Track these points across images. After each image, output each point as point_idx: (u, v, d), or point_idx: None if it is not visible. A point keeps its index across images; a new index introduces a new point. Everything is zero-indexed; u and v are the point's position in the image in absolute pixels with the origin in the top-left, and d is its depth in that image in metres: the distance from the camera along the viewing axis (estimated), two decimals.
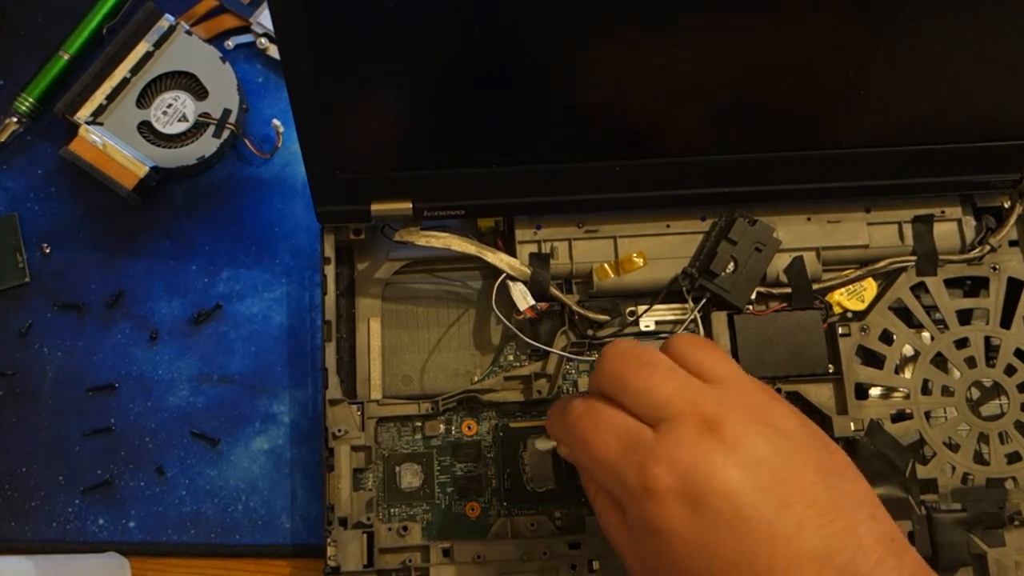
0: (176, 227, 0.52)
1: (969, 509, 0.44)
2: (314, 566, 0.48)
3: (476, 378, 0.47)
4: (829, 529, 0.32)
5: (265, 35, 0.54)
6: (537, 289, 0.46)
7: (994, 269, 0.47)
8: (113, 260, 0.52)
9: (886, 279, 0.48)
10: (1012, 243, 0.48)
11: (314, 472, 0.49)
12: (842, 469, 0.35)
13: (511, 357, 0.48)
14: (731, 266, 0.46)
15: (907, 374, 0.47)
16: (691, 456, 0.33)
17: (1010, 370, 0.46)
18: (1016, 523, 0.44)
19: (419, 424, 0.46)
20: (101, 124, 0.52)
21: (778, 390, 0.46)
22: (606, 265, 0.47)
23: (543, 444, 0.43)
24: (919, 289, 0.47)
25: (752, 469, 0.33)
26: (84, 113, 0.51)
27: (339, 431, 0.44)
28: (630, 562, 0.36)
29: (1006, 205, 0.48)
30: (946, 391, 0.46)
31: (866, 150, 0.44)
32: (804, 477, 0.33)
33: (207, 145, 0.52)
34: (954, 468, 0.45)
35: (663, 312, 0.47)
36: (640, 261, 0.47)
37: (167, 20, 0.53)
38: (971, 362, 0.46)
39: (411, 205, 0.44)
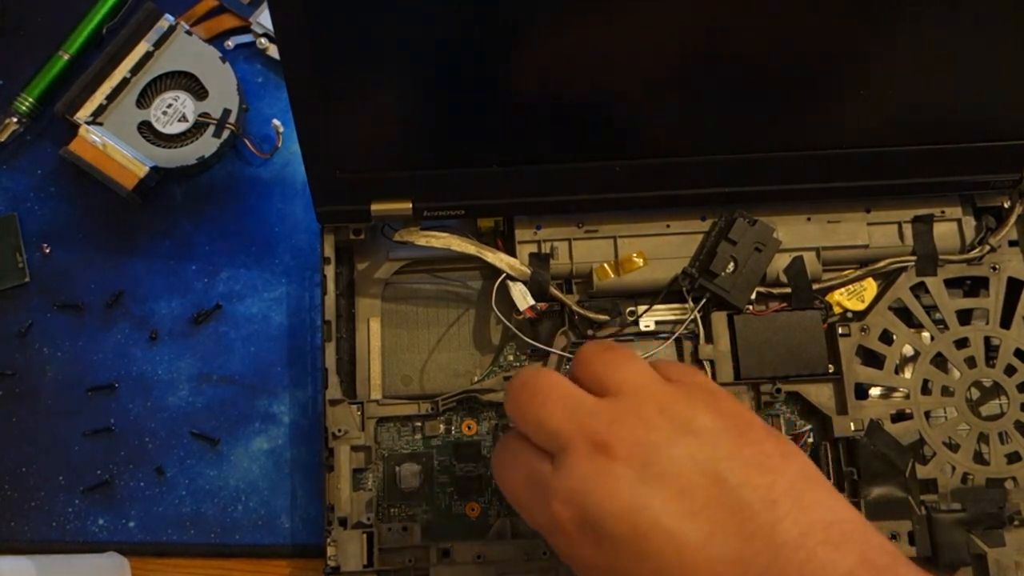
0: (176, 227, 0.52)
1: (969, 509, 0.44)
2: (314, 566, 0.48)
3: (476, 378, 0.47)
4: (743, 530, 0.30)
5: (265, 35, 0.54)
6: (537, 289, 0.46)
7: (994, 269, 0.47)
8: (113, 260, 0.52)
9: (886, 279, 0.48)
10: (1012, 243, 0.48)
11: (314, 472, 0.49)
12: (759, 458, 0.32)
13: (511, 357, 0.48)
14: (731, 266, 0.46)
15: (907, 374, 0.47)
16: (583, 484, 0.32)
17: (1010, 370, 0.46)
18: (1016, 523, 0.44)
19: (419, 424, 0.46)
20: (101, 124, 0.52)
21: (778, 391, 0.46)
22: (606, 265, 0.47)
23: None
24: (919, 289, 0.47)
25: (648, 484, 0.32)
26: (84, 113, 0.51)
27: (339, 431, 0.44)
28: None
29: (1006, 205, 0.48)
30: (946, 391, 0.46)
31: (866, 150, 0.44)
32: (708, 479, 0.31)
33: (207, 145, 0.52)
34: (954, 468, 0.45)
35: (663, 312, 0.47)
36: (640, 261, 0.47)
37: (167, 20, 0.53)
38: (971, 362, 0.46)
39: (411, 205, 0.44)
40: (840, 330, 0.46)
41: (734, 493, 0.31)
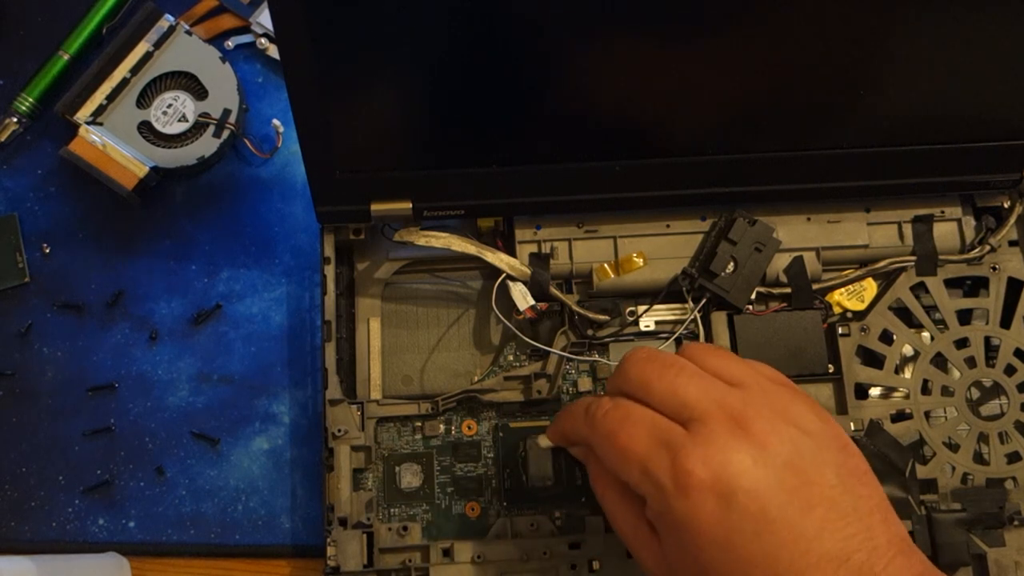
0: (176, 227, 0.52)
1: (969, 509, 0.44)
2: (314, 566, 0.48)
3: (476, 378, 0.47)
4: (847, 531, 0.33)
5: (265, 35, 0.54)
6: (537, 289, 0.46)
7: (994, 269, 0.47)
8: (113, 260, 0.52)
9: (886, 279, 0.48)
10: (1012, 243, 0.48)
11: (314, 472, 0.49)
12: (860, 472, 0.35)
13: (511, 357, 0.48)
14: (731, 266, 0.46)
15: (907, 374, 0.47)
16: (723, 454, 0.34)
17: (1010, 370, 0.46)
18: (1016, 523, 0.44)
19: (419, 424, 0.46)
20: (101, 124, 0.52)
21: None
22: (606, 265, 0.47)
23: (544, 441, 0.43)
24: (919, 289, 0.47)
25: (779, 471, 0.34)
26: (84, 113, 0.51)
27: (339, 431, 0.44)
28: (646, 558, 0.36)
29: (1006, 205, 0.48)
30: (946, 391, 0.46)
31: (866, 150, 0.44)
32: (825, 480, 0.34)
33: (207, 145, 0.52)
34: (954, 468, 0.45)
35: (663, 312, 0.47)
36: (640, 261, 0.47)
37: (167, 20, 0.53)
38: (971, 362, 0.46)
39: (411, 205, 0.44)
40: (840, 330, 0.46)
41: (843, 497, 0.34)
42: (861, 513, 0.34)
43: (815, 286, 0.47)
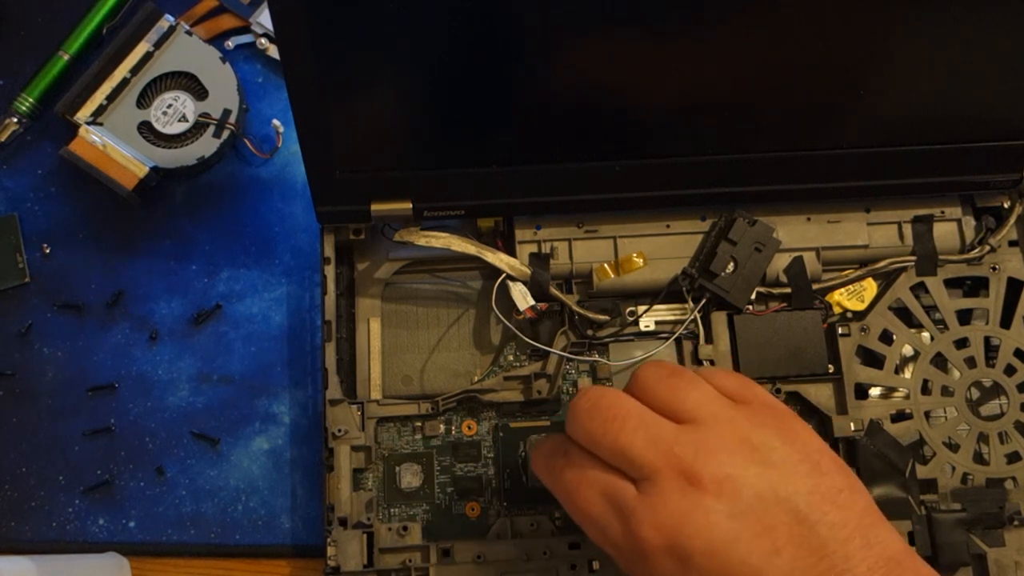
0: (176, 227, 0.52)
1: (969, 509, 0.44)
2: (314, 566, 0.48)
3: (476, 378, 0.47)
4: (820, 567, 0.32)
5: (265, 35, 0.54)
6: (537, 289, 0.46)
7: (994, 269, 0.47)
8: (113, 260, 0.52)
9: (886, 279, 0.48)
10: (1012, 243, 0.48)
11: (314, 472, 0.49)
12: (834, 492, 0.33)
13: (511, 357, 0.48)
14: (731, 266, 0.46)
15: (907, 374, 0.47)
16: (675, 517, 0.33)
17: (1010, 370, 0.46)
18: (1016, 523, 0.44)
19: (419, 424, 0.46)
20: (101, 124, 0.52)
21: (777, 391, 0.46)
22: (606, 265, 0.47)
23: None
24: (919, 289, 0.47)
25: (737, 520, 0.32)
26: (84, 113, 0.51)
27: (339, 431, 0.44)
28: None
29: (1006, 205, 0.48)
30: (946, 391, 0.46)
31: (866, 150, 0.44)
32: (792, 516, 0.32)
33: (207, 145, 0.52)
34: (954, 468, 0.45)
35: (663, 312, 0.47)
36: (640, 261, 0.47)
37: (167, 20, 0.53)
38: (971, 362, 0.46)
39: (411, 205, 0.44)
40: (840, 330, 0.46)
41: (813, 531, 0.32)
42: (836, 543, 0.32)
43: (815, 286, 0.47)
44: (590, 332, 0.47)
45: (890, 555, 0.33)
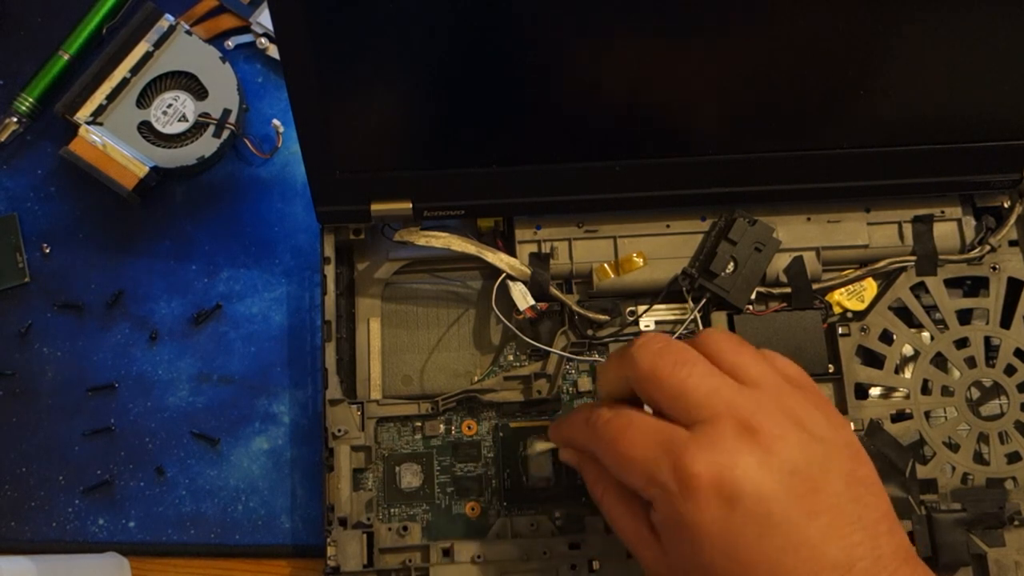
0: (176, 227, 0.52)
1: (969, 509, 0.44)
2: (314, 566, 0.48)
3: (476, 378, 0.47)
4: (852, 539, 0.33)
5: (265, 35, 0.54)
6: (537, 289, 0.46)
7: (994, 269, 0.47)
8: (113, 260, 0.52)
9: (886, 279, 0.48)
10: (1012, 243, 0.48)
11: (314, 472, 0.49)
12: (869, 481, 0.35)
13: (511, 357, 0.48)
14: (731, 266, 0.46)
15: (907, 374, 0.47)
16: (729, 457, 0.33)
17: (1010, 370, 0.46)
18: (1016, 523, 0.44)
19: (419, 424, 0.46)
20: (101, 124, 0.52)
21: None
22: (606, 265, 0.47)
23: (542, 445, 0.43)
24: (919, 289, 0.47)
25: (787, 476, 0.33)
26: (84, 113, 0.51)
27: (339, 431, 0.44)
28: (647, 558, 0.36)
29: (1006, 205, 0.48)
30: (946, 391, 0.46)
31: (866, 150, 0.44)
32: (833, 488, 0.34)
33: (207, 145, 0.52)
34: (954, 468, 0.45)
35: (663, 312, 0.47)
36: (640, 261, 0.47)
37: (167, 20, 0.53)
38: (971, 362, 0.46)
39: (411, 205, 0.44)
40: (840, 330, 0.46)
41: (850, 506, 0.34)
42: (867, 522, 0.33)
43: (815, 286, 0.47)
44: (590, 332, 0.47)
45: (907, 547, 0.34)
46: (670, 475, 0.34)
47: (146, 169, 0.51)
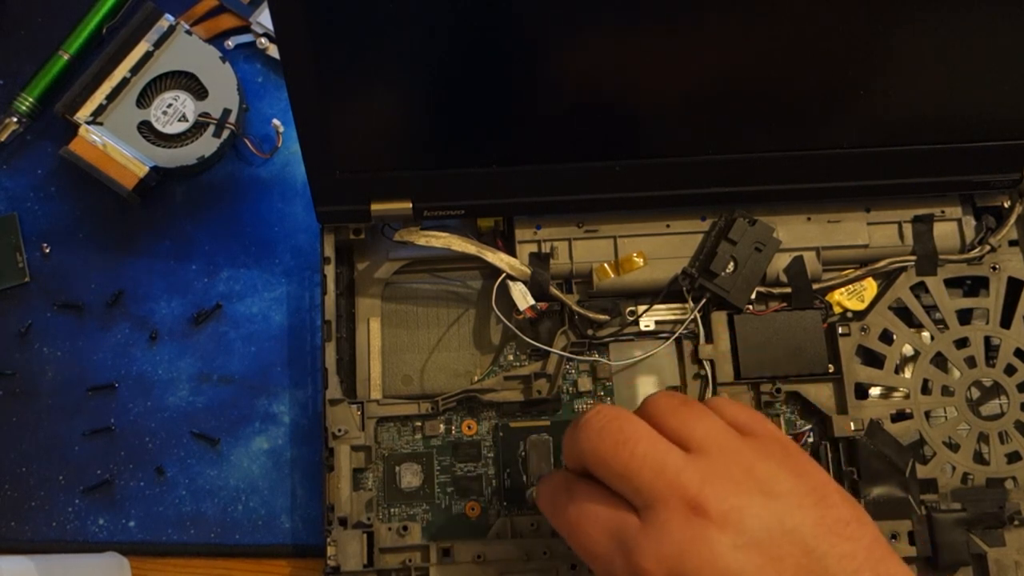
0: (176, 227, 0.52)
1: (969, 509, 0.44)
2: (314, 566, 0.48)
3: (476, 378, 0.47)
4: None
5: (265, 35, 0.54)
6: (537, 289, 0.46)
7: (994, 269, 0.47)
8: (113, 260, 0.52)
9: (886, 279, 0.48)
10: (1012, 243, 0.48)
11: (314, 472, 0.49)
12: (841, 524, 0.33)
13: (511, 357, 0.48)
14: (731, 266, 0.46)
15: (907, 374, 0.47)
16: (678, 548, 0.32)
17: (1010, 370, 0.46)
18: (1016, 523, 0.44)
19: (419, 424, 0.46)
20: (101, 124, 0.52)
21: (778, 391, 0.46)
22: (606, 265, 0.47)
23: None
24: (919, 289, 0.47)
25: (743, 551, 0.32)
26: (84, 113, 0.51)
27: (339, 431, 0.44)
28: None
29: (1006, 205, 0.48)
30: (946, 391, 0.46)
31: (866, 150, 0.44)
32: (797, 548, 0.32)
33: (207, 145, 0.52)
34: (954, 468, 0.45)
35: (663, 312, 0.47)
36: (640, 261, 0.47)
37: (167, 20, 0.53)
38: (971, 362, 0.46)
39: (411, 205, 0.44)
40: (840, 330, 0.46)
41: (820, 563, 0.32)
42: (845, 575, 0.32)
43: (815, 286, 0.47)
44: (590, 332, 0.47)
45: None
46: (624, 572, 0.33)
47: (146, 169, 0.51)
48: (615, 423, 0.35)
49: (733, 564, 0.32)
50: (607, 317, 0.46)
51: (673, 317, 0.47)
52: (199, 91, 0.52)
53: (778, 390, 0.46)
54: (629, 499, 0.34)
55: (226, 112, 0.52)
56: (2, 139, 0.53)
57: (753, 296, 0.46)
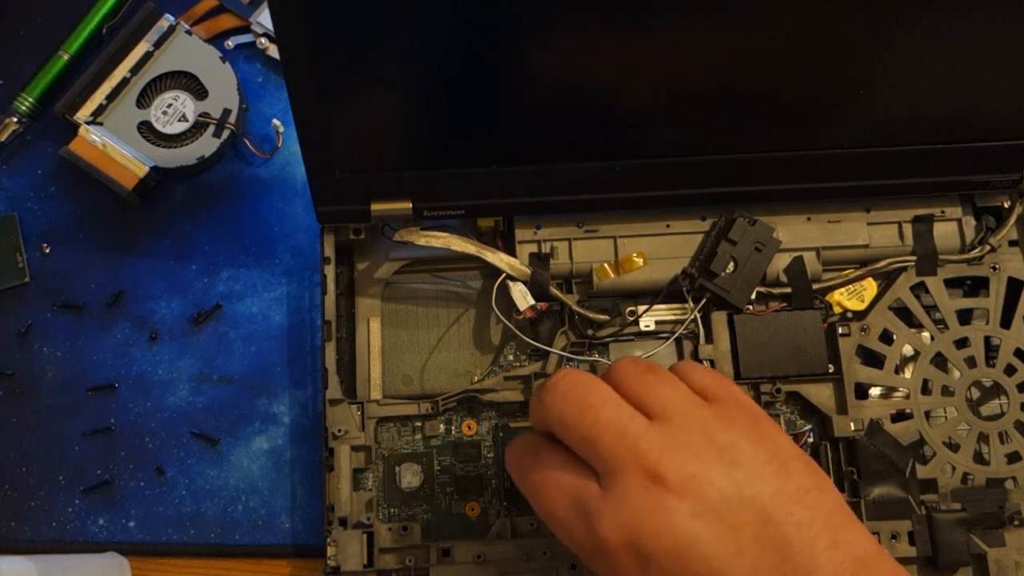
0: (176, 227, 0.52)
1: (969, 509, 0.44)
2: (314, 566, 0.48)
3: (476, 378, 0.47)
4: (784, 568, 0.31)
5: (265, 35, 0.54)
6: (537, 289, 0.46)
7: (994, 269, 0.47)
8: (113, 260, 0.52)
9: (886, 279, 0.48)
10: (1012, 243, 0.48)
11: (314, 472, 0.49)
12: (802, 492, 0.33)
13: (511, 357, 0.48)
14: (731, 266, 0.46)
15: (907, 374, 0.47)
16: (636, 515, 0.32)
17: (1010, 370, 0.46)
18: (1016, 523, 0.44)
19: (419, 424, 0.46)
20: (101, 124, 0.52)
21: (778, 391, 0.46)
22: (606, 265, 0.47)
23: None
24: (919, 289, 0.47)
25: (701, 519, 0.32)
26: (84, 113, 0.51)
27: (339, 431, 0.44)
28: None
29: (1006, 205, 0.48)
30: (946, 391, 0.46)
31: (866, 150, 0.44)
32: (756, 516, 0.32)
33: (207, 145, 0.52)
34: (954, 468, 0.45)
35: (663, 312, 0.47)
36: (640, 261, 0.47)
37: (167, 20, 0.53)
38: (971, 362, 0.46)
39: (411, 205, 0.44)
40: (840, 330, 0.46)
41: (778, 531, 0.32)
42: (802, 543, 0.32)
43: (815, 286, 0.47)
44: (590, 332, 0.47)
45: (858, 555, 0.32)
46: (585, 539, 0.34)
47: (146, 169, 0.51)
48: (579, 388, 0.35)
49: (691, 532, 0.32)
50: (607, 317, 0.46)
51: (673, 317, 0.47)
52: (199, 91, 0.52)
53: (778, 390, 0.46)
54: (592, 464, 0.34)
55: (226, 112, 0.52)
56: (2, 139, 0.53)
57: (753, 296, 0.46)
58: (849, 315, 0.47)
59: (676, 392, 0.35)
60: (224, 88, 0.52)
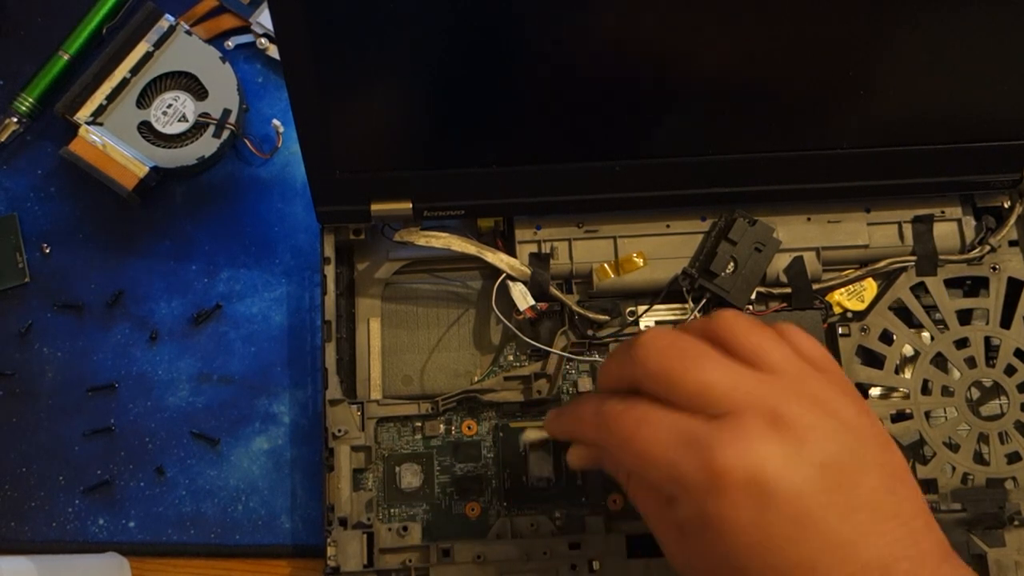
0: (176, 227, 0.52)
1: (969, 509, 0.44)
2: (314, 566, 0.48)
3: (476, 378, 0.47)
4: (890, 537, 0.31)
5: (265, 35, 0.54)
6: (537, 289, 0.46)
7: (994, 269, 0.47)
8: (113, 260, 0.52)
9: (886, 279, 0.48)
10: (1012, 243, 0.48)
11: (314, 472, 0.49)
12: (901, 472, 0.33)
13: (511, 357, 0.48)
14: (731, 266, 0.46)
15: (907, 374, 0.47)
16: (760, 451, 0.31)
17: (1010, 370, 0.46)
18: (1016, 523, 0.44)
19: (419, 424, 0.46)
20: (101, 124, 0.52)
21: None
22: (606, 265, 0.47)
23: (534, 434, 0.43)
24: (919, 289, 0.47)
25: (821, 470, 0.31)
26: (84, 113, 0.51)
27: (339, 431, 0.44)
28: (675, 555, 0.34)
29: (1006, 205, 0.48)
30: (946, 391, 0.46)
31: (866, 150, 0.44)
32: (869, 481, 0.32)
33: (207, 145, 0.52)
34: (954, 468, 0.45)
35: (663, 312, 0.47)
36: (640, 261, 0.47)
37: (167, 20, 0.53)
38: (971, 362, 0.46)
39: (411, 205, 0.44)
40: (840, 330, 0.46)
41: (886, 500, 0.32)
42: (905, 517, 0.31)
43: (815, 286, 0.47)
44: (590, 332, 0.47)
45: (943, 541, 0.32)
46: (697, 472, 0.31)
47: (146, 169, 0.51)
48: (681, 341, 0.34)
49: (813, 480, 0.31)
50: (607, 317, 0.46)
51: (673, 317, 0.47)
52: (199, 91, 0.52)
53: None
54: (700, 412, 0.33)
55: (226, 112, 0.52)
56: (2, 139, 0.53)
57: (753, 296, 0.46)
58: (849, 315, 0.47)
59: (788, 351, 0.35)
60: (224, 88, 0.52)
